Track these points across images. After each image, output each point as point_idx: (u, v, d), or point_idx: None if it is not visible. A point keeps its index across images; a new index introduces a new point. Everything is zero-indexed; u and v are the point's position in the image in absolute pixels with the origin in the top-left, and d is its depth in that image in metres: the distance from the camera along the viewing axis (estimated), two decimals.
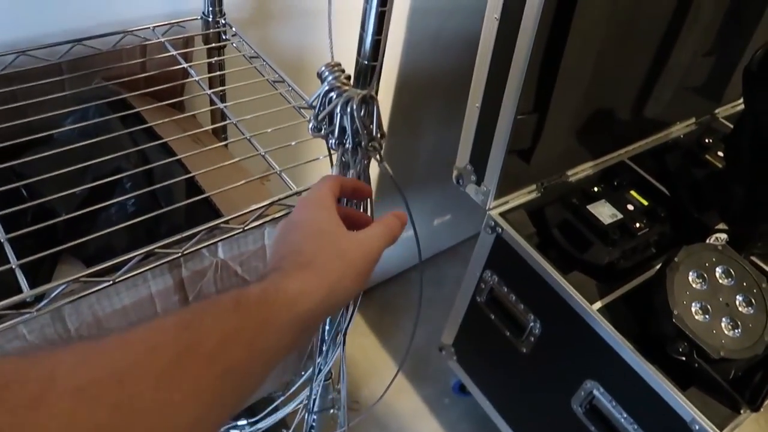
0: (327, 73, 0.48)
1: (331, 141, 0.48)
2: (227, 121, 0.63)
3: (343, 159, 0.47)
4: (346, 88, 0.47)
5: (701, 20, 1.15)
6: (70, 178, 0.55)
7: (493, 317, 1.15)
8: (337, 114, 0.46)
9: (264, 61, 0.71)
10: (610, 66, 1.06)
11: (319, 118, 0.47)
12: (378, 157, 0.47)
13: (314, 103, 0.48)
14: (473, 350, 1.28)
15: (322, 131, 0.48)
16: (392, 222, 0.44)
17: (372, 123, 0.47)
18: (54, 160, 0.56)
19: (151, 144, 0.61)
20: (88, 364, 0.25)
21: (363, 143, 0.46)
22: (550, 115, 1.02)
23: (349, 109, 0.45)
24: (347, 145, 0.46)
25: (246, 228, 0.54)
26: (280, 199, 0.55)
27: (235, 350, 0.30)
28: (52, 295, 0.45)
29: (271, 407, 0.83)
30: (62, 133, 0.61)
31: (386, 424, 1.26)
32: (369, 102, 0.46)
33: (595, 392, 0.98)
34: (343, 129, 0.46)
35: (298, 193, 0.57)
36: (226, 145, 0.74)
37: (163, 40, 0.71)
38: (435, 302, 1.70)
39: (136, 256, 0.49)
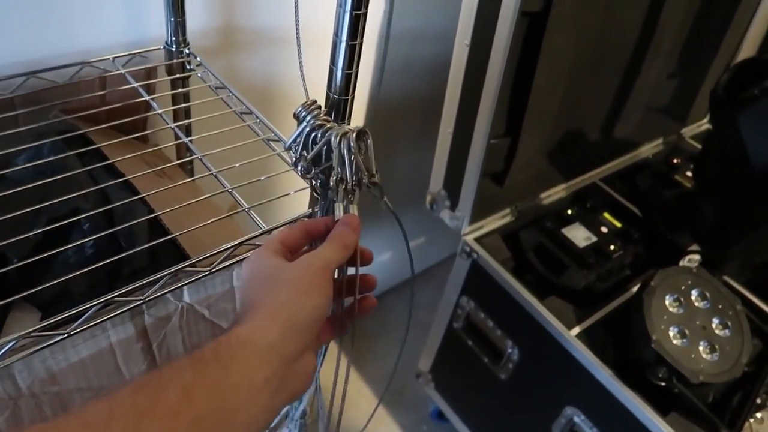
0: (304, 113, 0.46)
1: (318, 182, 0.46)
2: (192, 156, 0.60)
3: (334, 199, 0.45)
4: (330, 125, 0.45)
5: (666, 42, 1.17)
6: (23, 221, 0.52)
7: (470, 343, 1.14)
8: (329, 153, 0.45)
9: (230, 91, 0.68)
10: (580, 89, 1.07)
11: (309, 158, 0.45)
12: (379, 193, 0.45)
13: (294, 145, 0.46)
14: (451, 377, 1.26)
15: (312, 173, 0.46)
16: (340, 231, 0.42)
17: (369, 158, 0.45)
18: (5, 202, 0.52)
19: (112, 182, 0.57)
20: None
21: (364, 180, 0.44)
22: (522, 139, 1.02)
23: (344, 146, 0.43)
24: (346, 185, 0.44)
25: (213, 270, 0.51)
26: (249, 239, 0.53)
27: (198, 398, 0.29)
28: (2, 351, 0.42)
29: None
30: (14, 172, 0.58)
31: None
32: (364, 137, 0.44)
33: (576, 419, 0.96)
34: (331, 168, 0.44)
35: (267, 232, 0.54)
36: (194, 180, 0.71)
37: (123, 71, 0.68)
38: (411, 326, 1.68)
39: (93, 305, 0.46)
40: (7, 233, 0.51)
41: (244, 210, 0.55)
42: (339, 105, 0.49)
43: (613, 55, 1.12)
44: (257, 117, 0.65)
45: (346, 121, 0.50)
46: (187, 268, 0.50)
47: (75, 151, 0.59)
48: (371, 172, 0.46)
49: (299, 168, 0.47)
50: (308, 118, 0.47)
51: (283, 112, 0.77)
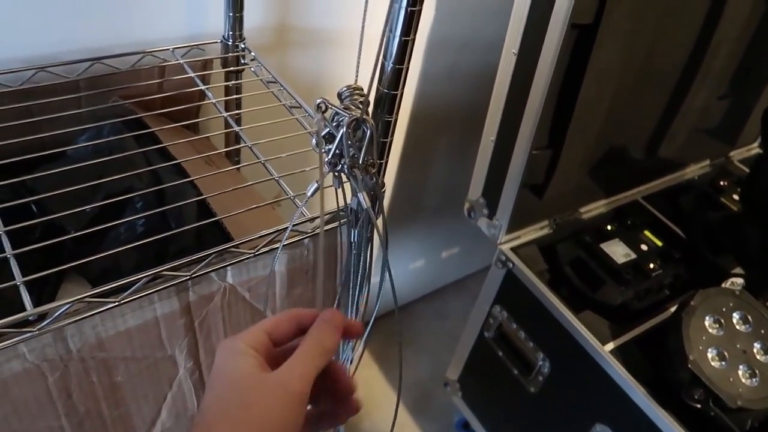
0: (346, 94, 0.47)
1: (326, 159, 0.47)
2: (242, 145, 0.62)
3: (344, 180, 0.46)
4: (352, 111, 0.46)
5: (717, 63, 1.15)
6: (81, 196, 0.55)
7: (500, 354, 1.13)
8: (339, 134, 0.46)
9: (281, 86, 0.71)
10: (625, 104, 1.06)
11: (321, 134, 0.46)
12: (375, 179, 0.46)
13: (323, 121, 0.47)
14: (479, 387, 1.25)
15: (323, 149, 0.47)
16: (319, 333, 0.36)
17: (364, 147, 0.46)
18: (65, 177, 0.55)
19: (164, 165, 0.60)
20: None
21: (355, 164, 0.46)
22: (565, 151, 1.02)
23: (342, 131, 0.44)
24: (341, 167, 0.46)
25: (257, 253, 0.53)
26: (292, 225, 0.54)
27: None
28: (55, 314, 0.44)
29: None
30: (75, 150, 0.61)
31: None
32: (364, 125, 0.45)
33: None
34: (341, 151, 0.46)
35: (310, 220, 0.56)
36: (238, 169, 0.73)
37: (182, 61, 0.71)
38: (439, 335, 1.68)
39: (143, 277, 0.48)
40: (67, 206, 0.53)
41: (290, 198, 0.57)
42: (386, 99, 0.50)
43: (662, 73, 1.11)
44: (306, 111, 0.67)
45: (393, 116, 0.52)
46: (232, 249, 0.52)
47: (132, 134, 0.62)
48: (368, 161, 0.47)
49: (312, 143, 0.48)
50: (345, 99, 0.47)
51: None
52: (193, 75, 0.70)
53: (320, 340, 0.36)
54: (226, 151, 0.75)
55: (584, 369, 0.94)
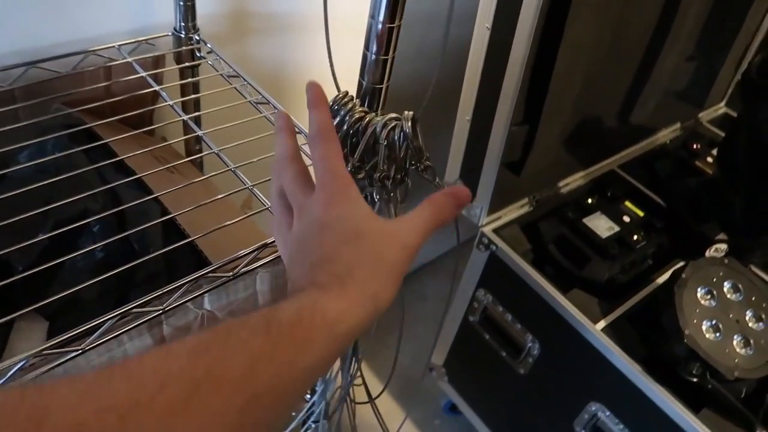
0: (337, 108, 0.42)
1: (365, 179, 0.42)
2: (207, 152, 0.56)
3: (376, 195, 0.41)
4: (370, 117, 0.41)
5: (686, 24, 1.13)
6: (28, 225, 0.48)
7: (487, 337, 1.10)
8: (379, 145, 0.41)
9: (244, 80, 0.64)
10: (599, 73, 1.03)
11: (356, 157, 0.41)
12: (432, 176, 0.42)
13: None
14: (466, 371, 1.23)
15: (362, 173, 0.42)
16: (442, 202, 0.37)
17: (421, 144, 0.41)
18: (7, 204, 0.48)
19: (122, 181, 0.53)
20: (86, 398, 0.22)
21: (419, 166, 0.41)
22: (542, 126, 0.98)
23: (395, 136, 0.39)
24: (390, 178, 0.41)
25: (237, 275, 0.48)
26: (273, 241, 0.49)
27: (262, 377, 0.26)
28: (9, 374, 0.38)
29: None
30: (16, 171, 0.54)
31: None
32: (416, 125, 0.41)
33: (600, 414, 0.93)
34: (376, 162, 0.41)
35: None
36: (208, 177, 0.67)
37: (130, 59, 0.64)
38: (420, 319, 1.65)
39: (108, 318, 0.42)
40: (11, 238, 0.47)
41: (267, 209, 0.51)
42: (374, 93, 0.45)
43: (634, 38, 1.08)
44: (275, 107, 0.61)
45: (379, 111, 0.46)
46: (209, 274, 0.46)
47: (81, 147, 0.55)
48: (424, 155, 0.43)
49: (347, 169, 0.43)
50: (342, 113, 0.43)
51: (299, 102, 0.73)
52: (144, 74, 0.63)
53: (441, 209, 0.37)
54: (191, 158, 0.69)
55: (576, 349, 0.92)
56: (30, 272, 0.44)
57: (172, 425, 0.23)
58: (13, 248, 0.45)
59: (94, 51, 0.63)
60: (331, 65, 0.42)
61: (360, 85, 0.45)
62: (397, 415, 1.43)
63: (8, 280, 0.44)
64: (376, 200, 0.41)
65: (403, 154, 0.42)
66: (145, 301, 0.43)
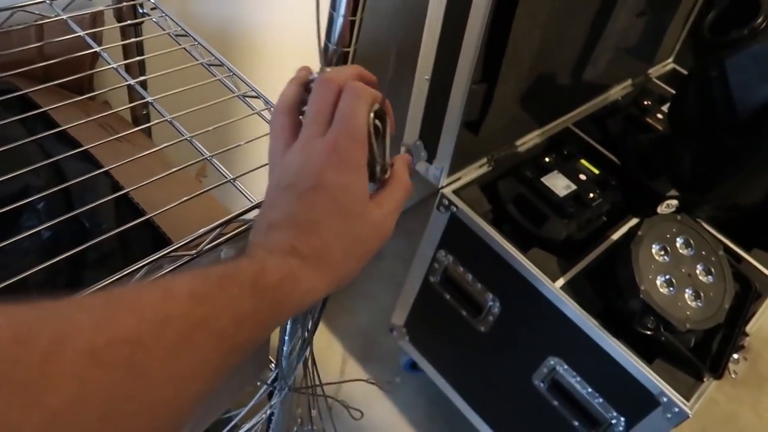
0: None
1: None
2: (160, 119, 0.52)
3: None
4: None
5: None
6: None
7: (448, 297, 1.11)
8: None
9: (195, 40, 0.59)
10: (555, 30, 1.02)
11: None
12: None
13: None
14: (426, 330, 1.24)
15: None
16: (406, 180, 0.39)
17: (385, 146, 0.38)
18: None
19: (67, 154, 0.49)
20: (101, 327, 0.23)
21: (376, 175, 0.38)
22: (500, 84, 0.97)
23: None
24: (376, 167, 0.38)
25: (200, 253, 0.45)
26: (238, 215, 0.46)
27: (244, 331, 0.29)
28: None
29: (230, 426, 0.74)
30: None
31: (340, 409, 1.20)
32: (382, 117, 0.38)
33: (558, 368, 0.96)
34: None
35: (257, 206, 0.48)
36: (162, 147, 0.63)
37: (64, 16, 0.58)
38: (376, 277, 1.65)
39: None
40: None
41: (229, 180, 0.48)
42: (339, 57, 0.42)
43: None
44: (230, 70, 0.57)
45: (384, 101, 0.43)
46: (171, 254, 0.43)
47: (17, 117, 0.50)
48: (388, 161, 0.39)
49: None
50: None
51: (252, 63, 0.69)
52: (82, 33, 0.57)
53: (407, 189, 0.38)
54: (141, 127, 0.64)
55: (535, 307, 0.94)
56: None
57: (173, 361, 0.25)
58: None
59: (21, 7, 0.57)
60: (318, 29, 0.38)
61: (325, 47, 0.42)
62: (357, 375, 1.45)
63: None
64: None
65: (382, 149, 0.39)
66: (103, 286, 0.40)
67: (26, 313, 0.23)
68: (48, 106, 0.53)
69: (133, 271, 0.41)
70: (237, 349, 0.29)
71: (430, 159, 1.01)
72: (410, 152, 1.04)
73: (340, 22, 0.41)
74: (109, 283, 0.40)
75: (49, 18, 0.58)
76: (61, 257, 0.41)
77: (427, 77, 0.93)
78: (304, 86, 0.39)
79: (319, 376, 0.77)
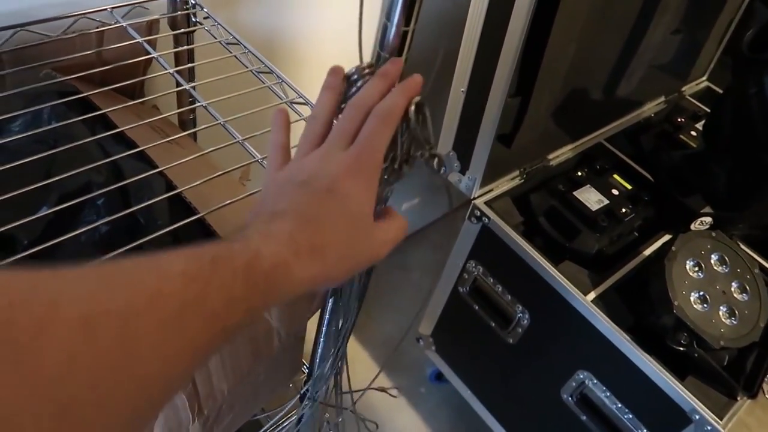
0: (357, 77, 0.41)
1: None
2: (213, 123, 0.54)
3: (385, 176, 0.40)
4: None
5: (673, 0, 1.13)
6: (31, 199, 0.46)
7: (476, 308, 1.12)
8: None
9: (245, 47, 0.62)
10: (590, 45, 1.03)
11: None
12: (441, 168, 0.41)
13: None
14: (454, 341, 1.24)
15: None
16: (403, 220, 0.41)
17: (428, 130, 0.40)
18: (6, 177, 0.46)
19: (125, 153, 0.51)
20: (94, 297, 0.24)
21: (424, 155, 0.40)
22: (534, 98, 0.98)
23: (403, 124, 0.38)
24: (394, 162, 0.40)
25: None
26: None
27: (233, 315, 0.29)
28: None
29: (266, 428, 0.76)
30: (9, 142, 0.51)
31: (364, 417, 1.21)
32: (422, 110, 0.40)
33: (588, 382, 0.96)
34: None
35: None
36: (198, 144, 0.65)
37: (124, 24, 0.61)
38: (402, 288, 1.66)
39: None
40: (15, 212, 0.45)
41: None
42: None
43: (624, 11, 1.08)
44: (279, 77, 0.59)
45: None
46: None
47: (80, 117, 0.53)
48: (430, 144, 0.42)
49: None
50: (359, 84, 0.41)
51: (298, 71, 0.71)
52: (140, 40, 0.60)
53: (403, 232, 0.40)
54: (190, 132, 0.66)
55: (566, 319, 0.94)
56: (36, 249, 0.43)
57: (164, 337, 0.25)
58: (18, 222, 0.43)
59: (85, 14, 0.60)
60: (360, 34, 0.40)
61: (378, 56, 0.44)
62: (382, 384, 1.45)
63: (14, 257, 0.42)
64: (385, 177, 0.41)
65: (407, 144, 0.41)
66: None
67: (22, 280, 0.23)
68: (105, 108, 0.55)
69: None
70: (226, 331, 0.29)
71: (463, 170, 1.02)
72: (443, 162, 1.05)
73: (393, 32, 0.42)
74: None
75: (110, 25, 0.61)
76: (120, 250, 0.44)
77: (462, 89, 0.94)
78: (340, 93, 0.41)
79: (349, 382, 0.78)
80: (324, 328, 0.64)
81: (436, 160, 0.41)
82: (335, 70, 0.42)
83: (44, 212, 0.45)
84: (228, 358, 0.52)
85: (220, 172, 0.51)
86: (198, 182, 0.50)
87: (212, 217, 0.53)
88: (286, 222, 0.34)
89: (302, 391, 0.72)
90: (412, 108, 0.39)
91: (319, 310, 0.63)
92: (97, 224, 0.47)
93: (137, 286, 0.25)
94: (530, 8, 0.80)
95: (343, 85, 0.42)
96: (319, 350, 0.68)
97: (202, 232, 0.52)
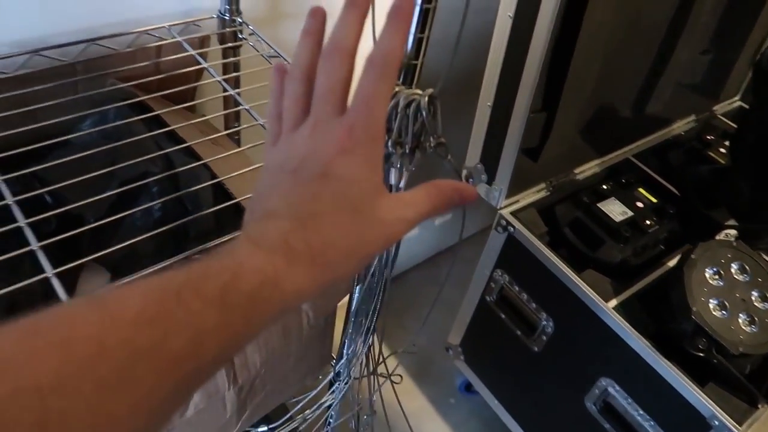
0: None
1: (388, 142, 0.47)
2: (253, 123, 0.61)
3: (395, 163, 0.46)
4: (398, 89, 0.46)
5: (702, 18, 1.16)
6: (97, 183, 0.53)
7: (503, 316, 1.15)
8: (397, 115, 0.46)
9: (286, 61, 0.69)
10: (616, 63, 1.06)
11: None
12: (444, 153, 0.46)
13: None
14: (482, 350, 1.27)
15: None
16: (447, 193, 0.34)
17: (437, 122, 0.46)
18: (77, 165, 0.54)
19: (176, 148, 0.59)
20: (7, 372, 0.20)
21: (429, 145, 0.45)
22: (559, 113, 1.02)
23: (411, 109, 0.44)
24: (404, 148, 0.45)
25: None
26: None
27: (207, 350, 0.24)
28: None
29: (291, 413, 0.81)
30: (80, 137, 0.59)
31: (393, 425, 1.24)
32: (434, 102, 0.45)
33: (610, 390, 0.98)
34: (400, 131, 0.45)
35: None
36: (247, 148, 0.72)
37: (180, 39, 0.69)
38: (436, 301, 1.70)
39: (163, 266, 0.47)
40: (82, 195, 0.52)
41: None
42: (408, 69, 0.50)
43: (650, 29, 1.11)
44: None
45: (413, 86, 0.51)
46: None
47: (139, 117, 0.60)
48: (438, 134, 0.47)
49: None
50: None
51: None
52: (193, 52, 0.68)
53: (443, 200, 0.34)
54: (229, 131, 0.74)
55: (588, 326, 0.97)
56: (100, 223, 0.50)
57: (103, 401, 0.21)
58: (86, 201, 0.50)
59: (146, 30, 0.69)
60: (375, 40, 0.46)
61: None
62: (412, 394, 1.49)
63: (81, 229, 0.49)
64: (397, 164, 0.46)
65: (418, 127, 0.46)
66: (195, 252, 0.48)
67: None
68: (162, 110, 0.63)
69: (225, 242, 0.49)
70: (199, 370, 0.25)
71: (490, 181, 1.06)
72: (472, 175, 1.10)
73: (410, 39, 0.48)
74: (204, 249, 0.49)
75: (167, 40, 0.69)
76: (167, 227, 0.50)
77: (489, 104, 1.00)
78: (322, 40, 0.34)
79: (383, 355, 0.82)
80: (354, 305, 0.69)
81: (442, 147, 0.46)
82: (316, 11, 0.35)
83: (107, 194, 0.52)
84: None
85: (256, 165, 0.57)
86: (239, 172, 0.56)
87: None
88: (279, 222, 0.29)
89: (334, 370, 0.76)
90: (425, 99, 0.45)
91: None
92: (150, 204, 0.54)
93: (73, 344, 0.21)
94: (550, 28, 0.85)
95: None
96: (347, 338, 0.73)
97: (240, 217, 0.58)
